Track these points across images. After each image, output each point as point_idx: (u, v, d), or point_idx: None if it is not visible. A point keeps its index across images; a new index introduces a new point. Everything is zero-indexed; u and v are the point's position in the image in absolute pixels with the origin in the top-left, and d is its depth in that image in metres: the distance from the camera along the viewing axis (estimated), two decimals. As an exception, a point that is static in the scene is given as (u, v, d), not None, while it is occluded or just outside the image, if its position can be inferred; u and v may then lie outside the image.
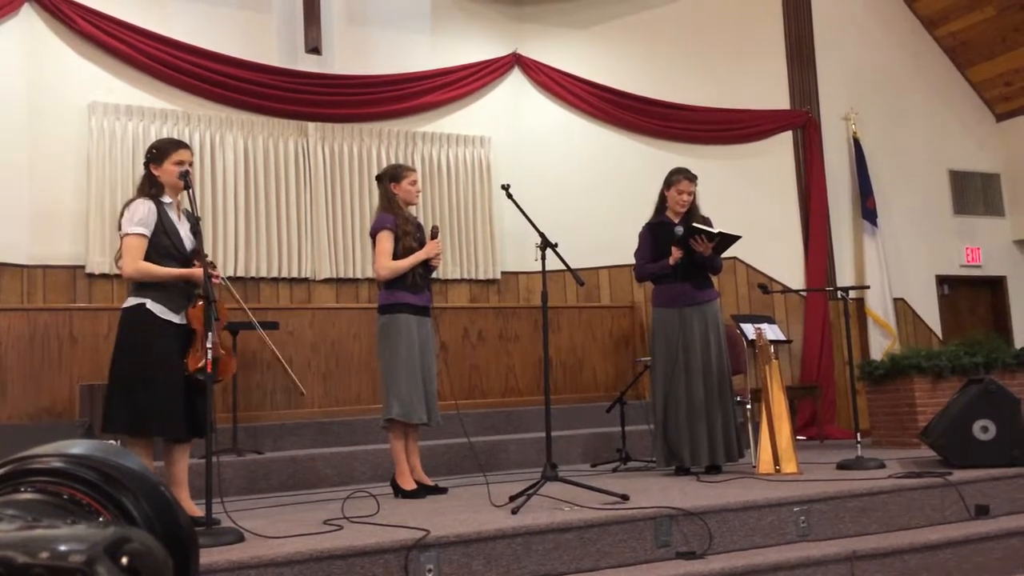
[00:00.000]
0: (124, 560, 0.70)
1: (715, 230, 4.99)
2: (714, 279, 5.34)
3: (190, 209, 3.82)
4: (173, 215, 3.84)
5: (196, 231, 3.82)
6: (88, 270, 6.64)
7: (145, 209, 3.73)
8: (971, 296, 9.51)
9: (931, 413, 5.70)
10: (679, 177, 5.25)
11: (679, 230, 5.11)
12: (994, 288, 9.61)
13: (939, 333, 8.95)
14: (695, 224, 5.02)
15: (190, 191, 3.71)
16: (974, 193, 9.53)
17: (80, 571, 0.67)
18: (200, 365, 3.62)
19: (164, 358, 3.67)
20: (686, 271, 5.08)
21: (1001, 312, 9.54)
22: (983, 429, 4.68)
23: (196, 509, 3.71)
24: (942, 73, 9.60)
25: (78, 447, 1.00)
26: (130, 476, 0.94)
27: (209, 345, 3.50)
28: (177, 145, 3.90)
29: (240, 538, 3.27)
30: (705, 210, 5.36)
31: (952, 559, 3.78)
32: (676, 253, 5.05)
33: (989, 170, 9.67)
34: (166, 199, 3.83)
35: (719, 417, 5.03)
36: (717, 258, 5.15)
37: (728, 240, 5.05)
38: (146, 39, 7.02)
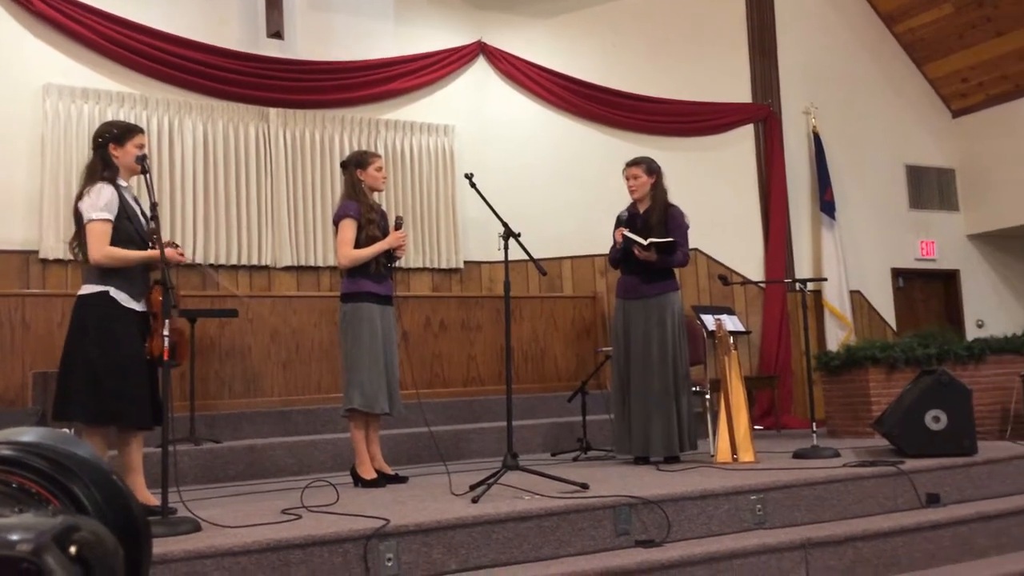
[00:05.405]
0: (73, 549, 0.69)
1: (646, 241, 5.02)
2: (676, 272, 5.35)
3: (148, 194, 3.77)
4: (130, 198, 3.80)
5: (154, 216, 3.77)
6: (42, 255, 6.50)
7: (109, 194, 3.69)
8: (925, 289, 9.69)
9: (885, 403, 5.80)
10: (623, 167, 5.34)
11: (623, 215, 5.25)
12: (947, 281, 9.80)
13: (894, 325, 9.12)
14: (626, 233, 5.08)
15: (147, 176, 3.66)
16: (929, 188, 9.71)
17: (27, 560, 0.66)
18: (162, 351, 3.59)
19: (131, 347, 3.64)
20: (633, 264, 5.13)
21: (954, 305, 9.74)
22: (935, 419, 4.77)
23: (152, 498, 3.66)
24: (900, 69, 9.75)
25: (28, 435, 0.98)
26: (81, 464, 0.93)
27: (166, 332, 3.45)
28: (138, 129, 3.88)
29: (197, 527, 3.23)
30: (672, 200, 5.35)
31: (903, 546, 3.86)
32: (617, 236, 5.14)
33: (944, 165, 9.85)
34: (122, 182, 3.78)
35: (663, 409, 5.02)
36: (670, 258, 5.12)
37: (666, 245, 5.06)
38: (103, 20, 6.88)
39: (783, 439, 6.47)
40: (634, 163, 5.31)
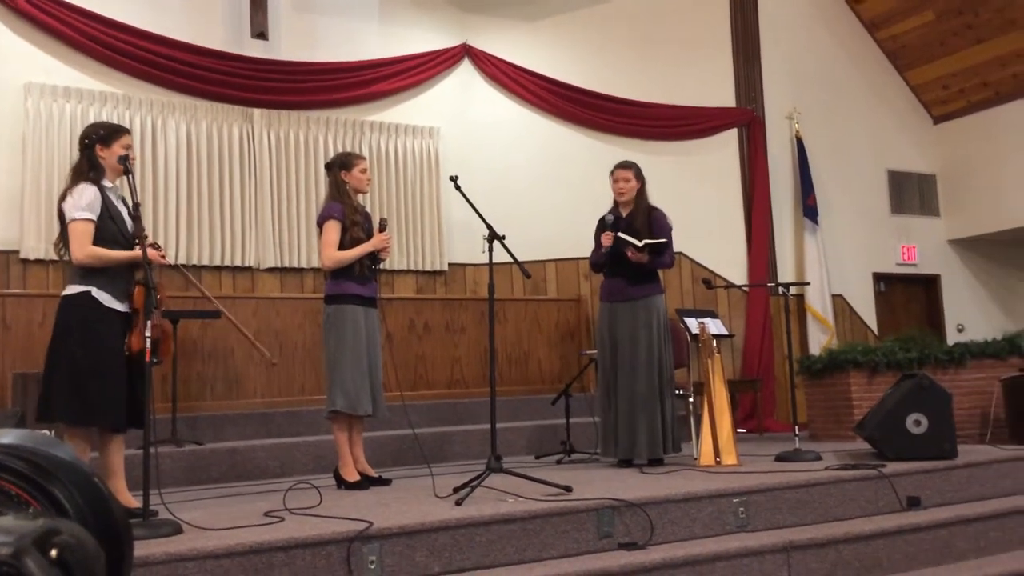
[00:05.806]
0: (53, 552, 0.68)
1: (640, 242, 5.03)
2: (660, 274, 5.37)
3: (131, 195, 3.76)
4: (114, 199, 3.79)
5: (136, 217, 3.75)
6: (22, 255, 6.45)
7: (92, 194, 3.68)
8: (906, 293, 9.77)
9: (866, 407, 5.83)
10: (612, 169, 5.36)
11: (609, 218, 5.23)
12: (928, 286, 9.88)
13: (875, 329, 9.18)
14: (620, 235, 5.07)
15: (130, 177, 3.65)
16: (911, 193, 9.79)
17: (7, 564, 0.65)
18: (141, 347, 3.56)
19: (114, 348, 3.62)
20: (619, 266, 5.13)
21: (935, 309, 9.81)
22: (916, 423, 4.80)
23: (133, 500, 3.64)
24: (883, 75, 9.82)
25: (8, 436, 0.98)
26: (62, 466, 0.92)
27: (148, 333, 3.43)
28: (125, 130, 3.88)
29: (178, 530, 3.21)
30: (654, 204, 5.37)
31: (884, 549, 3.88)
32: (606, 240, 5.13)
33: (926, 171, 9.93)
34: (107, 183, 3.77)
35: (648, 411, 5.03)
36: (660, 259, 5.15)
37: (658, 246, 5.08)
38: (87, 19, 6.83)
39: (766, 442, 6.49)
40: (625, 166, 5.32)
